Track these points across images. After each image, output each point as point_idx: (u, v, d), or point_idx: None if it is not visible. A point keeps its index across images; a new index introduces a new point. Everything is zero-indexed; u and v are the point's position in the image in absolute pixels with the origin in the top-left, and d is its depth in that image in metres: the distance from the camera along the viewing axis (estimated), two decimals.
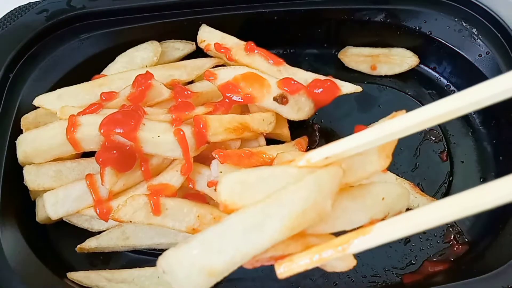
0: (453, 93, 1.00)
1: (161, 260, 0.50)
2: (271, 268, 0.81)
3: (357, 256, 0.83)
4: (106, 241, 0.79)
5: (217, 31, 0.94)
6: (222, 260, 0.48)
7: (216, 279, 0.50)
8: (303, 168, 0.54)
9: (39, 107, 0.84)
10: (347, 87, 0.87)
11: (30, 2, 0.93)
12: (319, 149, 0.54)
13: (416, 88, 1.02)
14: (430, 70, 1.03)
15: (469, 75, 0.96)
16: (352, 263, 0.54)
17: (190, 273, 0.48)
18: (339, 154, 0.53)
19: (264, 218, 0.48)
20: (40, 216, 0.81)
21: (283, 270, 0.52)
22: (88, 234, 0.81)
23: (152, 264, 0.79)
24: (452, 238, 0.83)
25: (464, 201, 0.43)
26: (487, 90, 0.44)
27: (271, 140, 0.88)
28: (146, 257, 0.83)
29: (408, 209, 0.80)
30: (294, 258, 0.52)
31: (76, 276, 0.77)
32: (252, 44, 0.89)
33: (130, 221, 0.70)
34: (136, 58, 0.92)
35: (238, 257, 0.48)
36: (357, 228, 0.52)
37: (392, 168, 0.89)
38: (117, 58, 0.93)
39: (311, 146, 0.91)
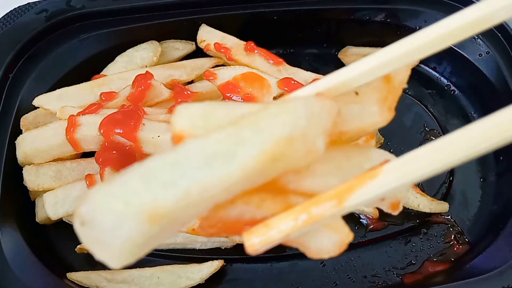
0: (453, 93, 1.00)
1: (82, 206, 0.32)
2: (271, 268, 0.82)
3: (357, 256, 0.84)
4: None
5: (217, 31, 0.94)
6: (171, 195, 0.32)
7: (158, 235, 0.33)
8: None
9: (38, 107, 0.84)
10: None
11: (29, 2, 0.93)
12: (309, 85, 0.43)
13: (416, 88, 1.01)
14: (430, 70, 1.02)
15: (469, 75, 0.96)
16: (347, 237, 0.40)
17: (122, 219, 0.31)
18: (334, 87, 0.42)
19: (235, 143, 0.34)
20: (40, 216, 0.81)
21: (257, 240, 0.37)
22: None
23: (152, 264, 0.79)
24: (452, 238, 0.83)
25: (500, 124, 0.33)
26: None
27: None
28: (146, 257, 0.80)
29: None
30: (271, 222, 0.37)
31: (76, 276, 0.77)
32: (252, 44, 0.89)
33: None
34: (136, 58, 0.92)
35: (194, 192, 0.32)
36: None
37: None
38: (116, 58, 0.93)
39: None
